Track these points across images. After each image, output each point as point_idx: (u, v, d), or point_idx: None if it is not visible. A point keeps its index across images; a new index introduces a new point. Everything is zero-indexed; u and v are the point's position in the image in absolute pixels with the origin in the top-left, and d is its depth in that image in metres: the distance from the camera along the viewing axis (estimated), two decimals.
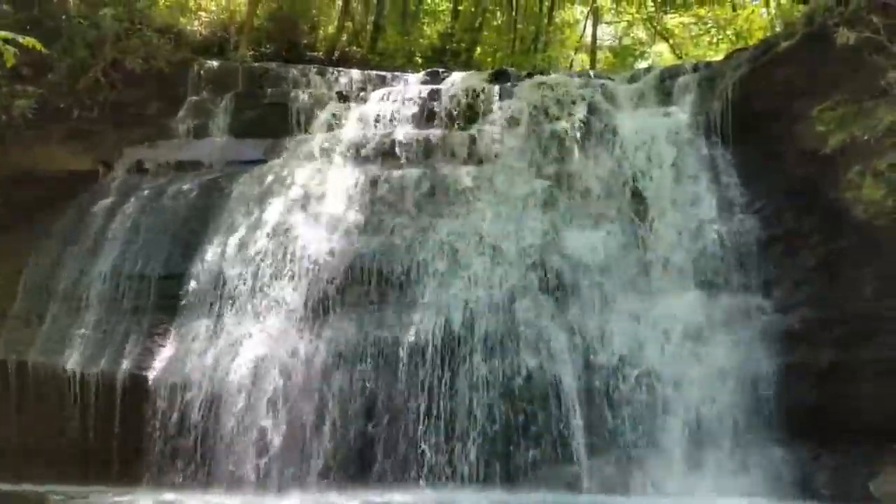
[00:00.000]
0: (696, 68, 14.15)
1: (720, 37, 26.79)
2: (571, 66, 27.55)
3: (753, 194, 11.76)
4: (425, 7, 24.66)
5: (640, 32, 30.40)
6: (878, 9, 9.87)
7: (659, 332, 10.91)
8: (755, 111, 12.14)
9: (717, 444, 10.23)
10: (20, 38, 10.35)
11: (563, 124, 12.98)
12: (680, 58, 28.02)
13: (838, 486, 9.90)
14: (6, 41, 10.29)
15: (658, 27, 28.50)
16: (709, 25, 27.00)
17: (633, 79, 14.86)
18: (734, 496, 9.70)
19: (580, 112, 13.08)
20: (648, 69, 16.00)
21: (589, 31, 28.55)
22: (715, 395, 10.45)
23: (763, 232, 11.35)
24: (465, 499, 9.57)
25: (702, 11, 26.03)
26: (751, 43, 21.39)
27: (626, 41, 30.80)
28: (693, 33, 28.24)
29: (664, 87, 13.83)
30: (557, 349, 10.69)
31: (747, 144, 12.25)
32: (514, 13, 24.50)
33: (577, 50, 28.74)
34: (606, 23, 30.44)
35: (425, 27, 23.08)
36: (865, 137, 10.22)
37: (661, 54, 31.44)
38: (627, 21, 29.70)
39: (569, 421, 10.23)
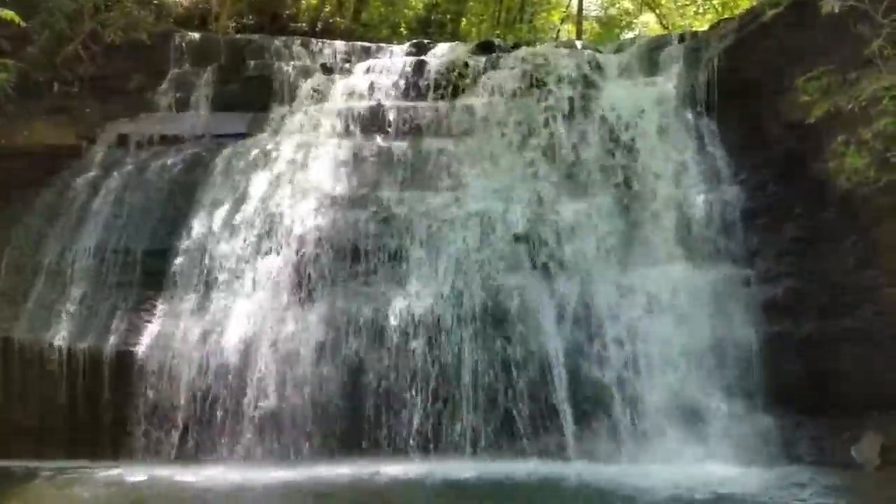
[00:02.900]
0: (682, 39, 14.14)
1: (706, 6, 26.71)
2: (558, 36, 27.41)
3: (738, 165, 11.83)
4: None
5: (627, 2, 30.25)
6: None
7: (645, 303, 10.99)
8: (741, 81, 12.15)
9: (702, 412, 10.36)
10: None
11: (549, 95, 12.95)
12: (666, 28, 27.95)
13: (821, 451, 10.07)
14: None
15: None
16: None
17: (619, 49, 14.87)
18: (719, 463, 9.82)
19: (566, 83, 13.06)
20: (634, 40, 15.95)
21: (575, 1, 28.34)
22: (700, 364, 10.57)
23: (748, 203, 11.43)
24: (454, 469, 9.64)
25: None
26: (737, 12, 21.35)
27: (613, 11, 30.65)
28: (679, 3, 28.16)
29: (650, 57, 13.84)
30: (545, 320, 10.76)
31: (733, 115, 12.28)
32: None
33: (563, 20, 28.56)
34: None
35: None
36: (850, 107, 10.25)
37: (648, 24, 31.34)
38: None
39: (556, 391, 10.32)
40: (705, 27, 21.45)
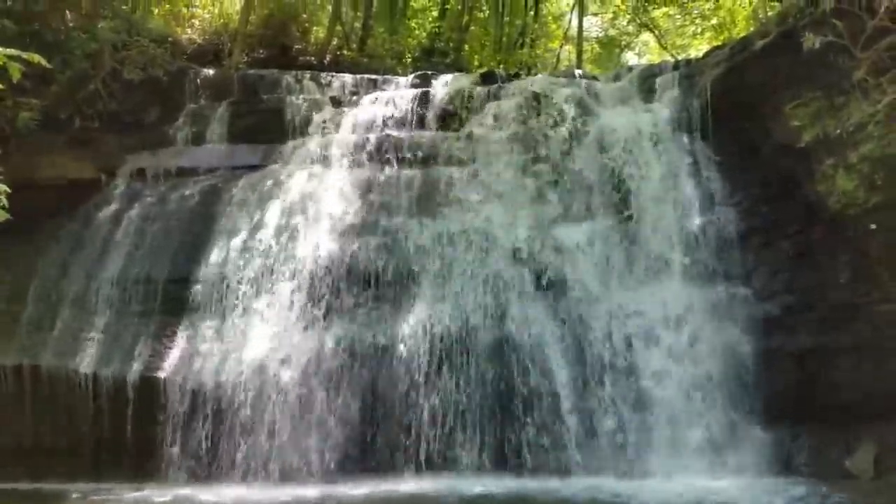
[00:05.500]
0: (676, 66, 14.59)
1: (704, 26, 27.23)
2: (558, 59, 27.91)
3: (733, 187, 12.25)
4: (413, 4, 24.88)
5: (626, 23, 30.72)
6: (843, 14, 10.33)
7: (646, 322, 11.39)
8: (733, 107, 12.57)
9: (702, 426, 10.77)
10: (24, 55, 10.66)
11: (549, 124, 13.42)
12: (665, 48, 28.48)
13: (817, 463, 10.51)
14: (11, 58, 10.60)
15: (643, 18, 28.86)
16: (694, 15, 27.40)
17: (616, 77, 15.33)
18: (719, 476, 10.25)
19: (566, 111, 13.51)
20: (631, 68, 16.44)
21: (575, 22, 28.84)
22: (700, 380, 10.97)
23: (742, 224, 11.86)
24: (463, 485, 10.04)
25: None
26: (734, 33, 21.95)
27: (612, 32, 31.12)
28: (678, 24, 28.65)
29: (646, 85, 14.26)
30: (549, 341, 11.19)
31: (727, 138, 12.71)
32: (500, 8, 24.73)
33: (563, 43, 29.05)
34: (592, 14, 30.77)
35: (413, 25, 23.35)
36: (838, 132, 10.73)
37: (647, 44, 31.87)
38: (613, 12, 30.04)
39: (560, 409, 10.74)
40: (704, 47, 22.06)
